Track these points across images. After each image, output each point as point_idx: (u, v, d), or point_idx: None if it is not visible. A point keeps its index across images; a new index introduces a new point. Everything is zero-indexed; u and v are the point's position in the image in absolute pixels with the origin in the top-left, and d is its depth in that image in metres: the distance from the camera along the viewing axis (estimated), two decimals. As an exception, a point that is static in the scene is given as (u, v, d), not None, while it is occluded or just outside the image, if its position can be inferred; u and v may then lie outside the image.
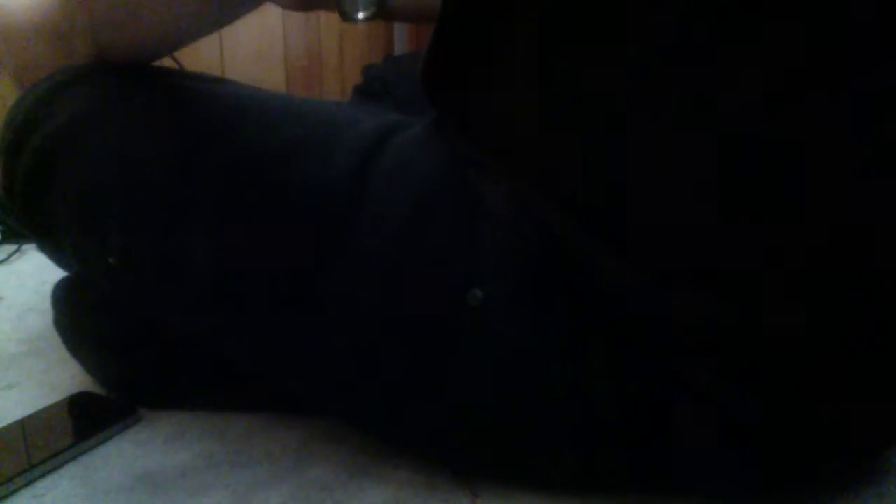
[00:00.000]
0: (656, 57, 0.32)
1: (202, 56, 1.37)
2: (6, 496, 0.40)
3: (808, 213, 0.32)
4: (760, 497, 0.40)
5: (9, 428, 0.46)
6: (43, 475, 0.42)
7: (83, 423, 0.46)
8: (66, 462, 0.43)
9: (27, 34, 0.47)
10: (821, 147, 0.31)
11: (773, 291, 0.33)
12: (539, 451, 0.39)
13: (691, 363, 0.35)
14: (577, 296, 0.36)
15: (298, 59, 1.52)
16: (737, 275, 0.33)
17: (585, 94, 0.34)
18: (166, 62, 0.50)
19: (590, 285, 0.36)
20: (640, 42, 0.32)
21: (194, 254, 0.40)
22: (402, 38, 1.80)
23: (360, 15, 0.55)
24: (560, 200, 0.36)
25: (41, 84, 0.45)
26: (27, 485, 0.41)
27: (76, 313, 0.51)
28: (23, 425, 0.46)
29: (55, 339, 0.53)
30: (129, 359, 0.49)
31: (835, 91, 0.30)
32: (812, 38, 0.29)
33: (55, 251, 0.49)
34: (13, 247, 0.90)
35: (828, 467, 0.40)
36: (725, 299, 0.33)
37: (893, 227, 0.31)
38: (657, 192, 0.33)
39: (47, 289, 0.55)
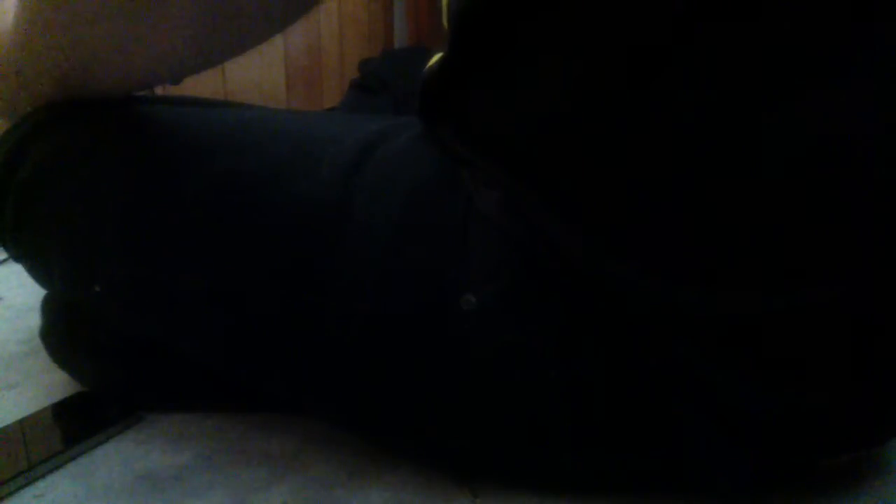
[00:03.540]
0: (642, 57, 0.32)
1: (202, 56, 1.37)
2: (6, 496, 0.40)
3: (794, 199, 0.32)
4: (762, 494, 0.40)
5: (9, 428, 0.46)
6: (43, 475, 0.42)
7: (83, 423, 0.46)
8: (66, 462, 0.43)
9: None
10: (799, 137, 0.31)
11: (768, 276, 0.33)
12: (538, 452, 0.39)
13: (690, 355, 0.35)
14: (570, 297, 0.36)
15: (298, 59, 1.52)
16: (734, 263, 0.33)
17: (583, 95, 0.34)
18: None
19: (584, 285, 0.36)
20: (631, 41, 0.32)
21: (179, 278, 0.40)
22: (402, 38, 1.80)
23: None
24: (556, 202, 0.36)
25: (20, 125, 0.44)
26: (27, 485, 0.41)
27: (71, 321, 0.51)
28: (23, 425, 0.46)
29: (55, 340, 0.53)
30: (129, 365, 0.49)
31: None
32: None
33: (44, 279, 0.49)
34: (13, 247, 0.90)
35: (828, 461, 0.40)
36: (726, 288, 0.34)
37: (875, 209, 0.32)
38: (654, 190, 0.33)
39: (47, 289, 0.54)
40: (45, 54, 0.41)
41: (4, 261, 0.86)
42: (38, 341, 0.53)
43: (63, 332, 0.52)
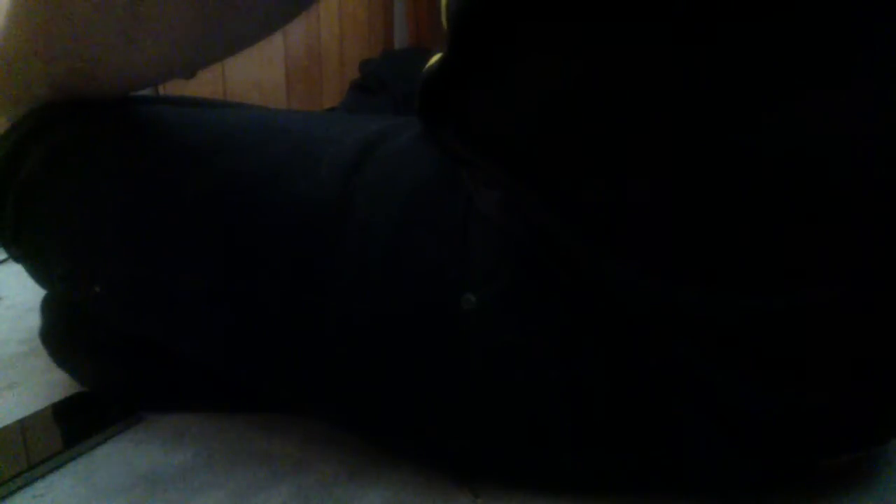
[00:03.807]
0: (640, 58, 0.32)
1: (202, 56, 1.36)
2: (6, 496, 0.40)
3: (795, 201, 0.32)
4: (762, 494, 0.40)
5: (9, 428, 0.46)
6: (43, 475, 0.42)
7: (83, 423, 0.46)
8: (65, 462, 0.43)
9: None
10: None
11: (768, 276, 0.33)
12: (538, 452, 0.39)
13: (690, 355, 0.35)
14: (570, 296, 0.36)
15: (298, 59, 1.51)
16: (734, 263, 0.33)
17: (584, 95, 0.34)
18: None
19: (584, 284, 0.36)
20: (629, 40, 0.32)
21: (179, 278, 0.40)
22: (402, 38, 1.80)
23: None
24: (556, 202, 0.36)
25: (20, 125, 0.44)
26: (27, 485, 0.41)
27: (71, 321, 0.51)
28: (23, 425, 0.46)
29: (55, 339, 0.53)
30: (129, 365, 0.49)
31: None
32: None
33: (44, 279, 0.49)
34: (13, 247, 0.90)
35: (828, 461, 0.40)
36: (725, 288, 0.34)
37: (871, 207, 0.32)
38: (654, 189, 0.33)
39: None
40: (40, 57, 0.40)
41: (4, 261, 0.86)
42: (38, 341, 0.53)
43: (63, 332, 0.52)
